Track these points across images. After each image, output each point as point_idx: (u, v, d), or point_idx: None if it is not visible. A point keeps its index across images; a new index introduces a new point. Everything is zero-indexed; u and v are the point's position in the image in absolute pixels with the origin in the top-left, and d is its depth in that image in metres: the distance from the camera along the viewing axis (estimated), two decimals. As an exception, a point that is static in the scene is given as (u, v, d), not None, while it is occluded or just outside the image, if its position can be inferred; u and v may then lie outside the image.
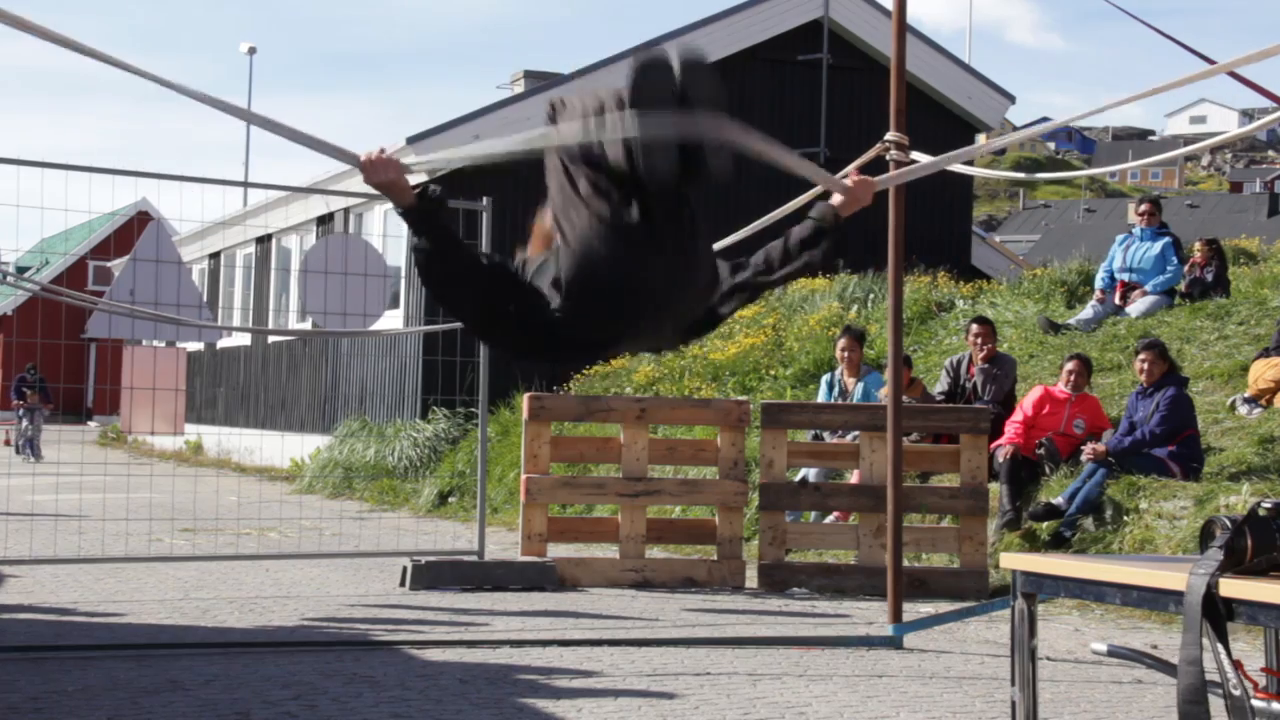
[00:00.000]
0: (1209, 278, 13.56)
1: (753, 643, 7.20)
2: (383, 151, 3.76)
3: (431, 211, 3.80)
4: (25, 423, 25.48)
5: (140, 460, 23.52)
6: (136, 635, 7.18)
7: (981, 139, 20.66)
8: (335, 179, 19.21)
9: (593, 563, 9.49)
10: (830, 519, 10.23)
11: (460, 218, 14.40)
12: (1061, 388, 10.23)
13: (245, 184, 25.70)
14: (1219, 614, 3.14)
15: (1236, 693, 3.07)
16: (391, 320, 16.76)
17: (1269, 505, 3.31)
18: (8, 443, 26.83)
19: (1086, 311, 13.52)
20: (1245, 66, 4.48)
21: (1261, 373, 10.52)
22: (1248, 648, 6.58)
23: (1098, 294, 13.60)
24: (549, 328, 3.84)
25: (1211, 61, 6.22)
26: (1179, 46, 7.78)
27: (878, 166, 7.48)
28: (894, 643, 7.17)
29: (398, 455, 16.43)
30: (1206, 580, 3.15)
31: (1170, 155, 6.74)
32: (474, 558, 9.46)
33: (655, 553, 10.01)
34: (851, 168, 4.23)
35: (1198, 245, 14.09)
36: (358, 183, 19.36)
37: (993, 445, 9.78)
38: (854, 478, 9.96)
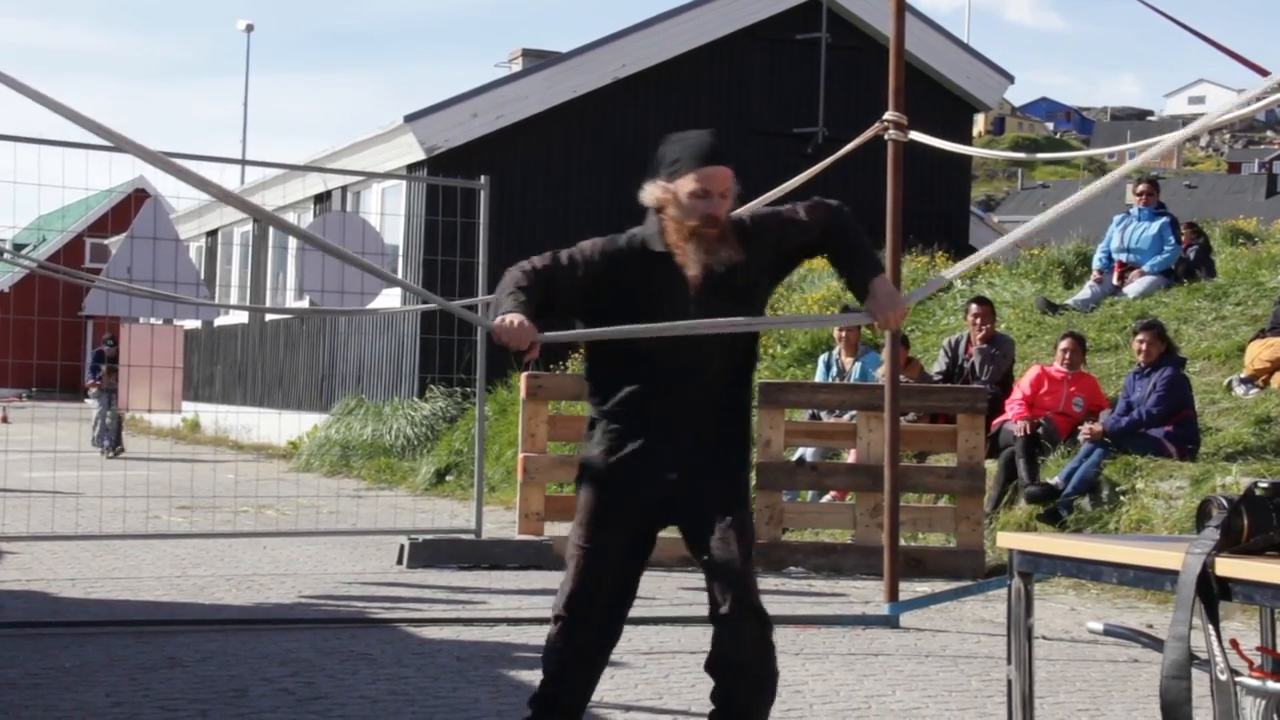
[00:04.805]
0: (1191, 256, 13.60)
1: (749, 621, 7.20)
2: (521, 324, 3.88)
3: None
4: (101, 407, 21.07)
5: (137, 438, 23.55)
6: (134, 612, 7.20)
7: (979, 119, 20.65)
8: (332, 157, 19.17)
9: (590, 541, 9.48)
10: (827, 498, 10.25)
11: (459, 197, 14.41)
12: (1057, 366, 10.25)
13: (243, 161, 25.73)
14: (1213, 594, 3.14)
15: (1223, 677, 3.08)
16: (389, 299, 16.73)
17: (1265, 485, 3.30)
18: (5, 420, 26.68)
19: (1084, 292, 13.52)
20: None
21: (1258, 353, 10.53)
22: (1243, 627, 6.60)
23: (1095, 274, 13.59)
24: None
25: (1265, 72, 6.20)
26: (1178, 26, 7.78)
27: (877, 144, 7.49)
28: (890, 622, 7.19)
29: (395, 433, 16.43)
30: (1202, 559, 3.15)
31: (1172, 137, 6.67)
32: (471, 536, 9.48)
33: (652, 531, 10.01)
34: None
35: (1182, 228, 14.13)
36: (355, 161, 19.13)
37: (998, 421, 9.80)
38: (851, 457, 9.96)
